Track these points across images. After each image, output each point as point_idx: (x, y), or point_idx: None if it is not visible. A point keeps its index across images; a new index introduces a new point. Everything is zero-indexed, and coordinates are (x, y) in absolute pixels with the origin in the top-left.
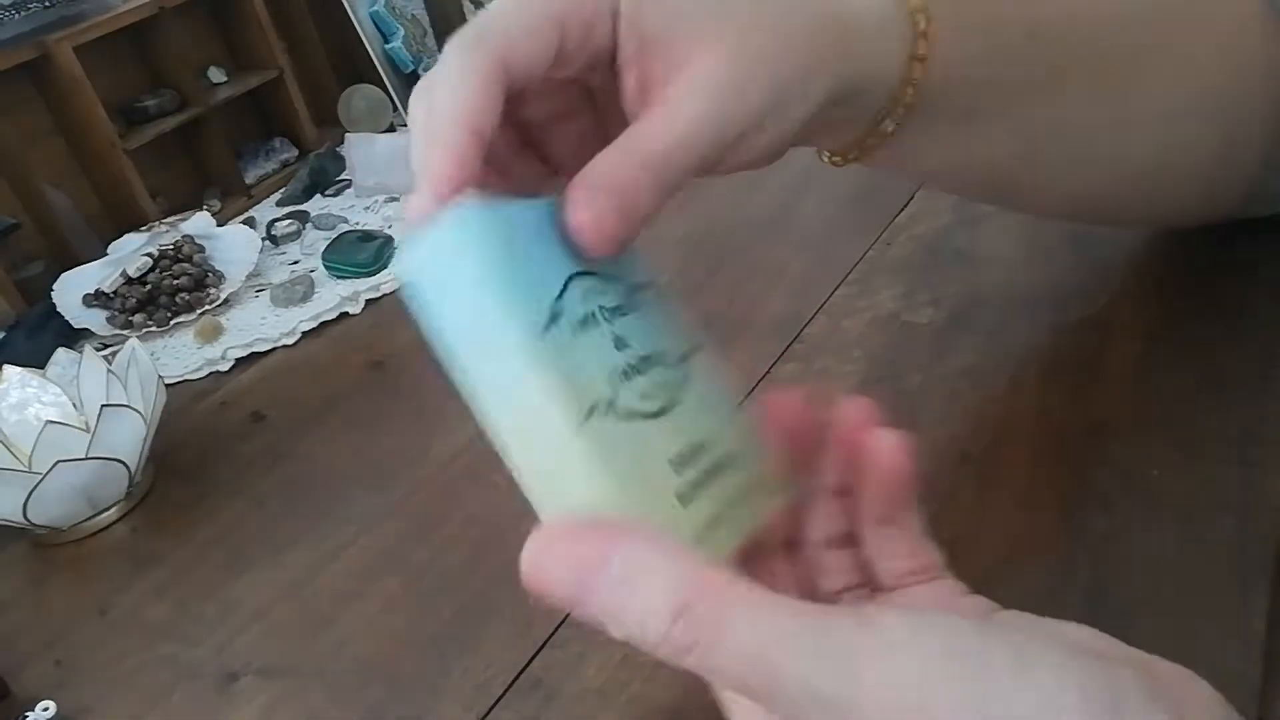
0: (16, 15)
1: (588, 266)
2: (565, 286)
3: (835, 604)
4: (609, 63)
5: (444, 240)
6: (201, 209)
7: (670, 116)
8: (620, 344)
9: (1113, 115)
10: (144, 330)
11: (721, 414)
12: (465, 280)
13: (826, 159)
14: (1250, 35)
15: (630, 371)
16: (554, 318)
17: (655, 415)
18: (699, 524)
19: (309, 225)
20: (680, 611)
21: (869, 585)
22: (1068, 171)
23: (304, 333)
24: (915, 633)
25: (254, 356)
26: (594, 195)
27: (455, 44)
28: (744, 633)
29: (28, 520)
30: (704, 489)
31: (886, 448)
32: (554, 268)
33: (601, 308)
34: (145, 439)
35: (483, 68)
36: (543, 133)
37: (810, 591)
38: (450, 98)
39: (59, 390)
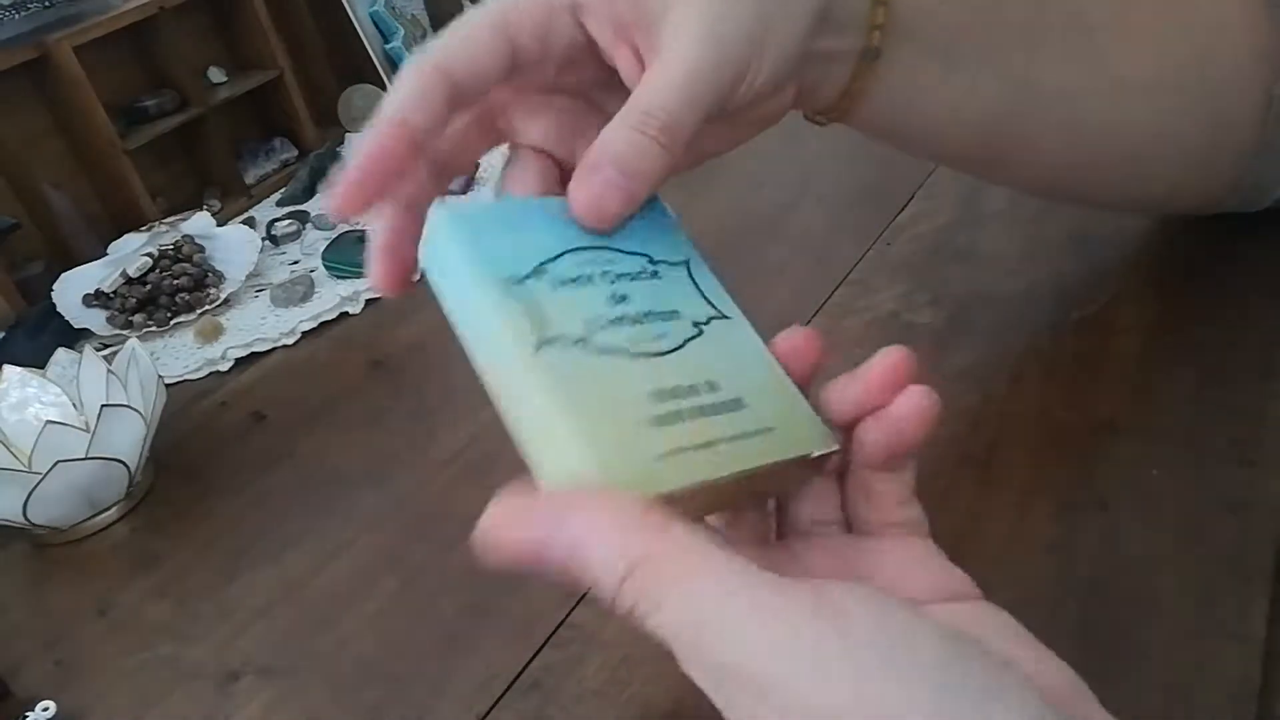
0: (16, 15)
1: (608, 243)
2: (560, 255)
3: (805, 537)
4: (594, 61)
5: (429, 235)
6: (201, 209)
7: (662, 67)
8: (620, 300)
9: (1096, 79)
10: (144, 330)
11: (740, 368)
12: (447, 264)
13: (812, 117)
14: (1231, 13)
15: (623, 321)
16: (531, 275)
17: (645, 355)
18: (662, 447)
19: (309, 225)
20: (629, 573)
21: (843, 524)
22: (1060, 137)
23: (304, 333)
24: (871, 623)
25: (254, 356)
26: (591, 171)
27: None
28: (681, 601)
29: (28, 520)
30: (685, 421)
31: (914, 390)
32: (546, 240)
33: (608, 272)
34: (145, 439)
35: (421, 71)
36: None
37: (780, 514)
38: (388, 102)
39: (59, 390)
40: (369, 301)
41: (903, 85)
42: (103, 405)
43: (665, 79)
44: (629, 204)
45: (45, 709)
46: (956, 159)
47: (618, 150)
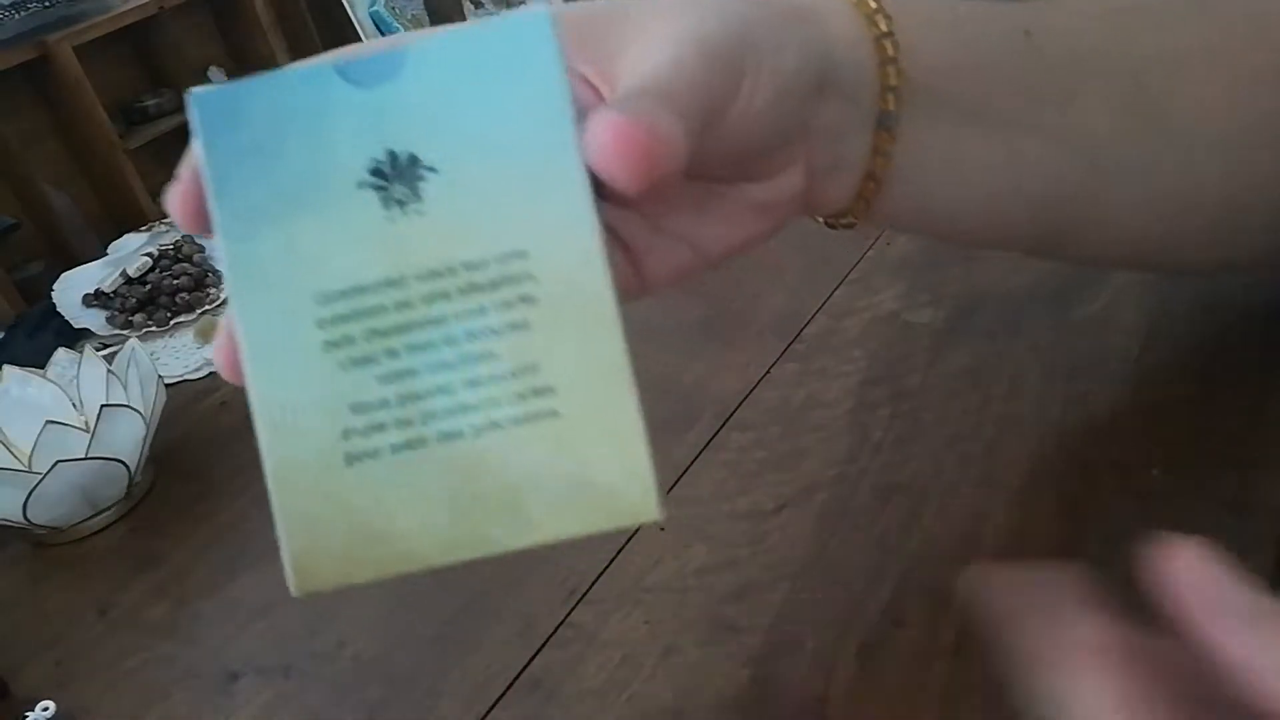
0: (16, 15)
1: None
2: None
3: None
4: None
5: None
6: None
7: (642, 62)
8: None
9: (1158, 134)
10: (144, 330)
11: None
12: None
13: (834, 222)
14: None
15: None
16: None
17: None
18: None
19: None
20: None
21: None
22: (1128, 202)
23: None
24: None
25: None
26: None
27: None
28: None
29: (28, 520)
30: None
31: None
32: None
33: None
34: (145, 439)
35: None
36: None
37: None
38: None
39: (59, 390)
40: None
41: (932, 159)
42: (103, 405)
43: (651, 64)
44: (653, 157)
45: (45, 709)
46: (1013, 240)
47: (622, 108)
